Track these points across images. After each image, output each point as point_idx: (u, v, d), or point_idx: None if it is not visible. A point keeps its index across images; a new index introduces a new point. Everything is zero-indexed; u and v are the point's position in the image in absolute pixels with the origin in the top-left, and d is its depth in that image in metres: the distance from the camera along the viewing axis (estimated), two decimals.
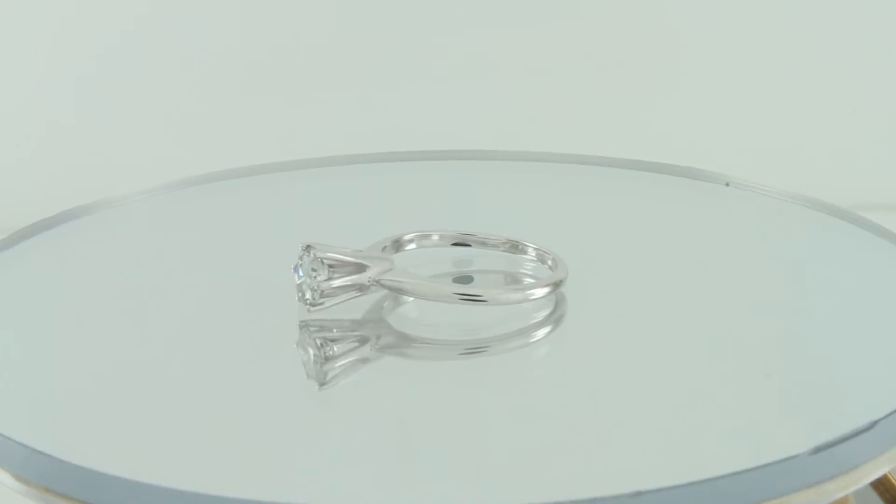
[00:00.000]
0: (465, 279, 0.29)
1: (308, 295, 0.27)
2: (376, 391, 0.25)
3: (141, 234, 0.34)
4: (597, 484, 0.21)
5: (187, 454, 0.22)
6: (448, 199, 0.37)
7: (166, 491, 0.20)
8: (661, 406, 0.24)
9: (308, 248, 0.27)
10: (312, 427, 0.23)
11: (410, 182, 0.39)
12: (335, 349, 0.26)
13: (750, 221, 0.35)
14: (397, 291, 0.27)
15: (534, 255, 0.29)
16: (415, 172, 0.40)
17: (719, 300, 0.29)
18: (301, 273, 0.27)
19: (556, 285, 0.27)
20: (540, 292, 0.27)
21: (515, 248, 0.29)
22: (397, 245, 0.29)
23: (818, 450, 0.20)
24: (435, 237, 0.30)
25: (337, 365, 0.25)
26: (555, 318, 0.27)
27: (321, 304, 0.27)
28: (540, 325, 0.27)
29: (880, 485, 0.28)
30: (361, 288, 0.27)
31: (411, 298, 0.27)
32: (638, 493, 0.19)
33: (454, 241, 0.30)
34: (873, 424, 0.21)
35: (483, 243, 0.30)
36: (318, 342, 0.26)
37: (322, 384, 0.25)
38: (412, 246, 0.29)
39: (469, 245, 0.30)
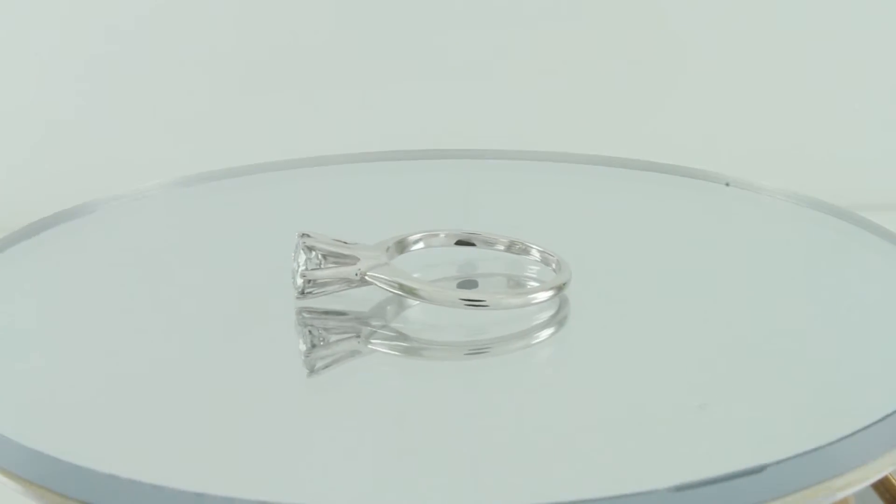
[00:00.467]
0: (469, 283, 0.29)
1: (299, 282, 0.27)
2: (377, 391, 0.25)
3: (141, 233, 0.34)
4: (595, 484, 0.21)
5: (187, 453, 0.22)
6: (450, 199, 0.37)
7: (167, 491, 0.20)
8: (661, 406, 0.24)
9: (303, 236, 0.27)
10: (311, 426, 0.23)
11: (411, 181, 0.39)
12: (330, 347, 0.26)
13: (750, 221, 0.35)
14: (386, 288, 0.27)
15: (537, 256, 0.29)
16: (415, 171, 0.40)
17: (720, 301, 0.29)
18: (295, 261, 0.27)
19: (560, 289, 0.27)
20: (543, 296, 0.27)
21: (519, 248, 0.29)
22: (401, 244, 0.29)
23: (680, 489, 0.20)
24: (439, 236, 0.29)
25: (330, 360, 0.25)
26: (558, 319, 0.27)
27: (310, 292, 0.27)
28: (543, 326, 0.27)
29: (880, 485, 0.28)
30: (350, 280, 0.27)
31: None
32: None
33: (458, 241, 0.30)
34: (762, 468, 0.20)
35: (487, 243, 0.29)
36: (314, 337, 0.26)
37: (312, 370, 0.25)
38: (418, 245, 0.29)
39: (473, 244, 0.30)
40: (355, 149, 0.41)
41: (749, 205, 0.35)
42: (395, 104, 0.59)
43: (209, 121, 0.59)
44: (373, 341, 0.26)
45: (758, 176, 0.37)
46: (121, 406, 0.24)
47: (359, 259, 0.27)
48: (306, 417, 0.23)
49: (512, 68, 0.59)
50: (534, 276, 0.29)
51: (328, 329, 0.27)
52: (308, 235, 0.27)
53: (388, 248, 0.28)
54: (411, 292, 0.26)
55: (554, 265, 0.28)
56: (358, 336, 0.26)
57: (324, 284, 0.27)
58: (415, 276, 0.27)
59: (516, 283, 0.29)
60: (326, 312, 0.28)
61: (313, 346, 0.26)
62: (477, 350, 0.26)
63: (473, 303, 0.26)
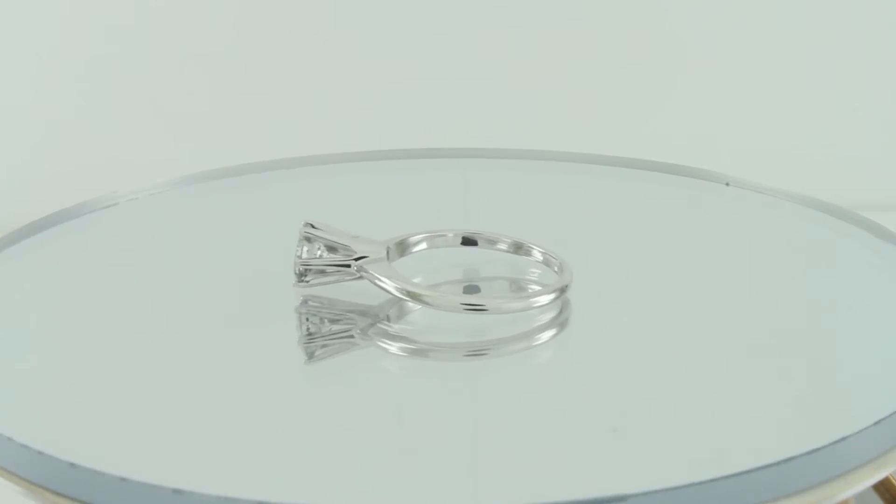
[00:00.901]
0: (472, 288, 0.29)
1: (298, 269, 0.27)
2: (375, 391, 0.25)
3: (141, 232, 0.34)
4: (595, 485, 0.21)
5: (185, 454, 0.22)
6: (450, 198, 0.36)
7: (166, 491, 0.20)
8: (661, 407, 0.24)
9: (307, 225, 0.27)
10: (308, 426, 0.23)
11: (411, 180, 0.39)
12: (330, 346, 0.26)
13: (750, 221, 0.35)
14: (387, 291, 0.27)
15: (539, 257, 0.29)
16: (415, 171, 0.40)
17: (720, 301, 0.29)
18: (299, 250, 0.27)
19: (562, 291, 0.27)
20: (544, 300, 0.26)
21: (520, 249, 0.29)
22: (402, 244, 0.29)
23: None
24: (442, 236, 0.29)
25: (329, 360, 0.25)
26: (559, 322, 0.27)
27: (307, 280, 0.27)
28: (544, 328, 0.27)
29: (881, 485, 0.28)
30: (347, 272, 0.27)
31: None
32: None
33: (461, 241, 0.29)
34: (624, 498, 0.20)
35: (489, 243, 0.29)
36: (314, 336, 0.26)
37: (310, 358, 0.25)
38: (419, 246, 0.29)
39: (475, 244, 0.29)
40: (355, 148, 0.41)
41: (749, 205, 0.35)
42: (395, 104, 0.59)
43: (209, 120, 0.59)
44: (372, 341, 0.26)
45: (758, 176, 0.37)
46: (120, 406, 0.24)
47: (356, 252, 0.27)
48: (303, 417, 0.23)
49: (512, 68, 0.59)
50: (535, 277, 0.29)
51: (329, 328, 0.27)
52: (312, 225, 0.27)
53: (388, 247, 0.28)
54: (410, 296, 0.26)
55: (556, 267, 0.28)
56: (358, 335, 0.26)
57: (321, 273, 0.27)
58: (415, 280, 0.27)
59: (517, 286, 0.29)
60: (327, 311, 0.28)
61: (312, 341, 0.26)
62: (476, 351, 0.26)
63: (473, 307, 0.26)
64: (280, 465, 0.21)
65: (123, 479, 0.20)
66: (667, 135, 0.58)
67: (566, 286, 0.27)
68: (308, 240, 0.27)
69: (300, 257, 0.27)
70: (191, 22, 0.58)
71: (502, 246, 0.29)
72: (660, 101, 0.60)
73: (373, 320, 0.27)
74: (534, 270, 0.29)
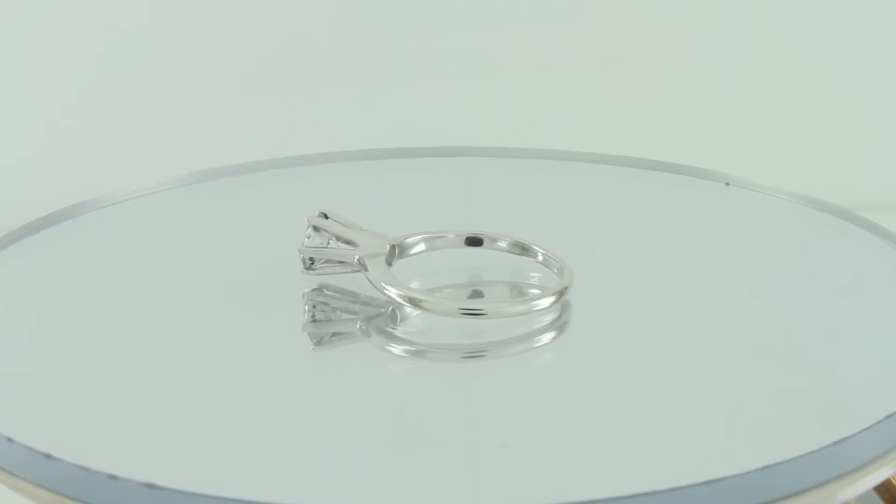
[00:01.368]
0: (473, 293, 0.29)
1: (302, 257, 0.28)
2: (374, 391, 0.25)
3: (141, 231, 0.34)
4: (594, 485, 0.21)
5: (183, 454, 0.22)
6: (450, 198, 0.36)
7: (167, 491, 0.20)
8: (661, 407, 0.24)
9: (320, 214, 0.28)
10: (307, 426, 0.23)
11: (410, 179, 0.39)
12: (328, 346, 0.26)
13: (751, 221, 0.35)
14: (377, 287, 0.27)
15: (540, 258, 0.28)
16: (415, 170, 0.39)
17: (720, 301, 0.29)
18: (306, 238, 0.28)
19: (561, 294, 0.27)
20: (543, 303, 0.26)
21: (521, 249, 0.29)
22: (404, 244, 0.29)
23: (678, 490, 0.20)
24: (442, 237, 0.29)
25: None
26: (558, 324, 0.27)
27: (312, 269, 0.28)
28: (544, 329, 0.27)
29: (881, 486, 0.28)
30: (349, 264, 0.27)
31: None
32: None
33: (463, 241, 0.29)
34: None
35: (491, 244, 0.29)
36: (313, 335, 0.26)
37: (317, 342, 0.25)
38: (420, 246, 0.29)
39: (477, 245, 0.29)
40: (355, 147, 0.41)
41: (750, 204, 0.35)
42: (395, 103, 0.59)
43: (209, 119, 0.59)
44: (373, 341, 0.26)
45: (758, 175, 0.37)
46: (120, 406, 0.24)
47: (360, 245, 0.28)
48: (299, 416, 0.23)
49: (511, 67, 0.59)
50: (535, 278, 0.29)
51: (330, 323, 0.27)
52: (325, 215, 0.28)
53: (392, 244, 0.28)
54: (409, 301, 0.26)
55: (556, 268, 0.28)
56: (359, 332, 0.26)
57: (324, 263, 0.28)
58: (412, 284, 0.27)
59: (516, 289, 0.29)
60: (331, 305, 0.28)
61: (314, 336, 0.26)
62: (473, 353, 0.26)
63: (472, 312, 0.26)
64: (277, 465, 0.21)
65: (123, 480, 0.20)
66: (667, 134, 0.58)
67: (566, 288, 0.27)
68: (316, 229, 0.28)
69: (305, 246, 0.28)
70: (191, 21, 0.58)
71: (503, 246, 0.29)
72: (660, 100, 0.60)
73: (376, 317, 0.27)
74: (534, 272, 0.29)
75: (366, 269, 0.27)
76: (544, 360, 0.27)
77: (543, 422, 0.23)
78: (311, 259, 0.28)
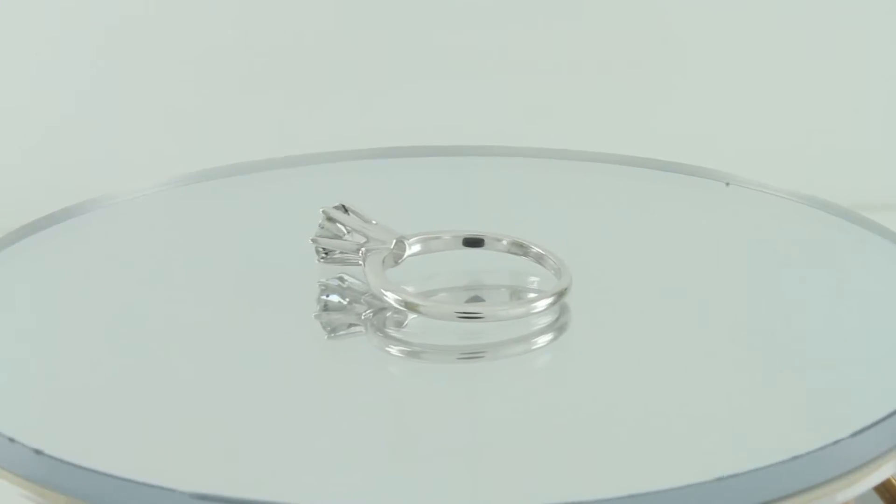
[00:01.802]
0: (474, 295, 0.29)
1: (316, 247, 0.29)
2: (371, 392, 0.25)
3: (142, 231, 0.34)
4: (591, 486, 0.21)
5: (180, 454, 0.22)
6: (449, 197, 0.36)
7: (166, 491, 0.20)
8: (661, 407, 0.24)
9: (339, 206, 0.29)
10: (301, 426, 0.23)
11: (411, 179, 0.39)
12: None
13: (752, 221, 0.35)
14: (383, 299, 0.27)
15: (538, 258, 0.28)
16: (415, 169, 0.39)
17: (720, 301, 0.29)
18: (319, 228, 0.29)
19: (560, 296, 0.26)
20: (541, 305, 0.26)
21: (520, 250, 0.29)
22: (402, 244, 0.29)
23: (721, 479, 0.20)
24: (442, 238, 0.29)
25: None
26: (557, 325, 0.27)
27: (324, 258, 0.29)
28: (542, 330, 0.27)
29: (881, 486, 0.27)
30: (355, 256, 0.28)
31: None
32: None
33: (462, 241, 0.29)
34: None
35: (490, 244, 0.29)
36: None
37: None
38: (417, 247, 0.29)
39: (476, 246, 0.29)
40: (355, 146, 0.41)
41: (750, 203, 0.35)
42: (395, 103, 0.59)
43: (208, 119, 0.58)
44: (373, 340, 0.26)
45: (759, 174, 0.37)
46: (120, 406, 0.24)
47: (366, 240, 0.28)
48: (295, 416, 0.23)
49: (511, 66, 0.59)
50: (534, 279, 0.29)
51: (328, 326, 0.27)
52: (343, 207, 0.29)
53: (398, 240, 0.28)
54: (406, 305, 0.26)
55: (554, 269, 0.28)
56: (357, 334, 0.26)
57: (333, 253, 0.29)
58: (409, 288, 0.27)
59: (515, 291, 0.29)
60: (329, 308, 0.28)
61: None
62: (470, 354, 0.26)
63: (469, 315, 0.26)
64: (275, 465, 0.21)
65: (123, 480, 0.20)
66: (668, 133, 0.58)
67: (565, 290, 0.27)
68: (330, 220, 0.29)
69: (317, 236, 0.29)
70: (191, 21, 0.58)
71: (502, 247, 0.29)
72: (661, 99, 0.60)
73: (376, 316, 0.27)
74: (533, 272, 0.29)
75: (364, 272, 0.27)
76: (543, 361, 0.27)
77: (541, 423, 0.23)
78: (325, 250, 0.29)
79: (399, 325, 0.26)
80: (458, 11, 0.58)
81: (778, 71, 0.59)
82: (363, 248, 0.28)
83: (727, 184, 0.36)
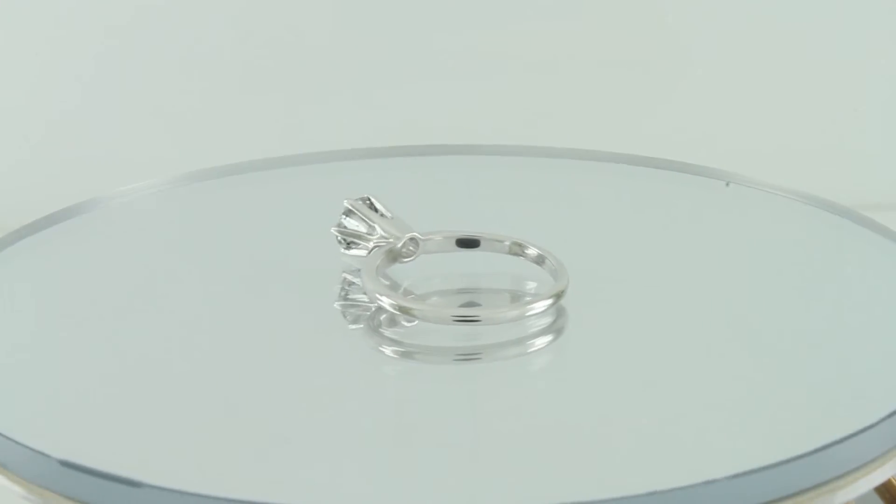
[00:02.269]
0: (470, 298, 0.28)
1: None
2: (369, 392, 0.25)
3: (143, 231, 0.34)
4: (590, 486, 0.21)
5: (178, 455, 0.22)
6: (449, 197, 0.36)
7: (167, 491, 0.20)
8: (660, 408, 0.24)
9: (364, 199, 0.29)
10: (299, 426, 0.23)
11: (410, 178, 0.39)
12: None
13: (752, 220, 0.35)
14: (380, 305, 0.27)
15: (536, 259, 0.28)
16: (415, 168, 0.39)
17: (720, 300, 0.29)
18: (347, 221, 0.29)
19: (557, 297, 0.26)
20: (538, 307, 0.26)
21: (518, 251, 0.29)
22: (415, 242, 0.29)
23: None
24: (439, 237, 0.29)
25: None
26: (555, 327, 0.27)
27: (347, 247, 0.29)
28: (540, 333, 0.27)
29: (882, 487, 0.27)
30: (366, 248, 0.28)
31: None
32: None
33: (459, 241, 0.29)
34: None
35: (488, 244, 0.29)
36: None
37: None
38: (413, 246, 0.29)
39: (473, 247, 0.29)
40: (352, 146, 0.41)
41: (751, 203, 0.35)
42: (394, 103, 0.59)
43: (208, 119, 0.58)
44: (366, 342, 0.26)
45: (759, 174, 0.37)
46: (120, 406, 0.24)
47: (376, 235, 0.28)
48: (286, 417, 0.23)
49: (511, 66, 0.59)
50: (532, 280, 0.29)
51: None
52: (370, 199, 0.29)
53: (406, 239, 0.28)
54: (401, 310, 0.26)
55: (551, 271, 0.28)
56: (354, 334, 0.27)
57: (356, 244, 0.29)
58: (403, 291, 0.27)
59: (512, 292, 0.29)
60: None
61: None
62: (466, 356, 0.26)
63: (465, 319, 0.26)
64: (274, 465, 0.21)
65: (124, 480, 0.20)
66: (667, 133, 0.58)
67: (562, 291, 0.26)
68: (351, 212, 0.29)
69: (337, 226, 0.29)
70: (191, 21, 0.58)
71: (500, 247, 0.29)
72: (661, 99, 0.60)
73: (374, 315, 0.27)
74: (531, 273, 0.29)
75: (362, 274, 0.27)
76: (540, 362, 0.26)
77: (539, 423, 0.23)
78: (347, 241, 0.29)
79: (400, 323, 0.26)
80: (458, 11, 0.58)
81: (778, 70, 0.59)
82: (372, 245, 0.28)
83: (727, 183, 0.36)
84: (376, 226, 0.28)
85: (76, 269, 0.31)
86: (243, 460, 0.22)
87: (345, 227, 0.29)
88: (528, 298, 0.28)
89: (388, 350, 0.26)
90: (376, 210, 0.29)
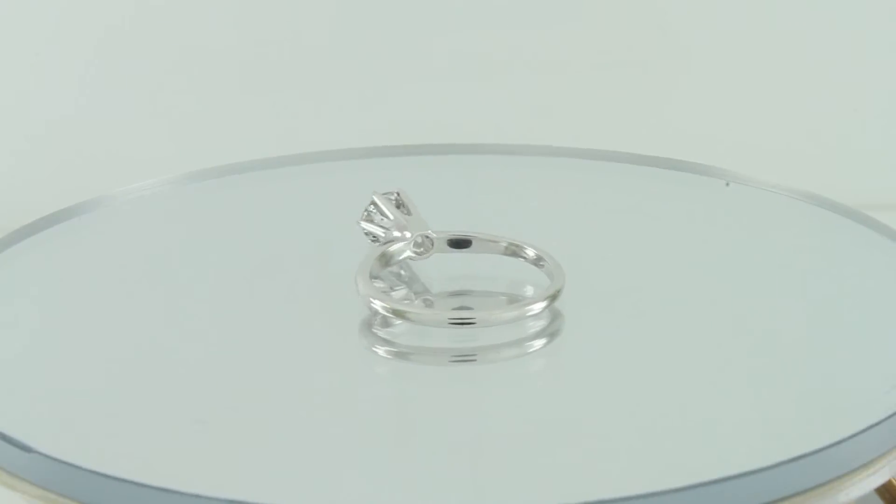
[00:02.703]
0: (465, 300, 0.28)
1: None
2: (368, 392, 0.25)
3: (143, 230, 0.34)
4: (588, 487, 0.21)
5: (177, 454, 0.22)
6: (448, 196, 0.36)
7: (166, 491, 0.20)
8: (660, 408, 0.24)
9: (392, 194, 0.30)
10: (296, 427, 0.23)
11: (410, 178, 0.39)
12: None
13: (752, 220, 0.35)
14: (361, 296, 0.27)
15: (532, 259, 0.28)
16: (414, 168, 0.39)
17: (720, 299, 0.29)
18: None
19: (552, 298, 0.26)
20: (535, 308, 0.26)
21: (514, 251, 0.29)
22: (428, 240, 0.29)
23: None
24: (435, 237, 0.29)
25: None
26: (550, 331, 0.27)
27: (371, 241, 0.29)
28: (536, 334, 0.27)
29: (882, 487, 0.27)
30: (379, 244, 0.28)
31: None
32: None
33: (455, 241, 0.29)
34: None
35: (483, 245, 0.29)
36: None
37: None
38: (409, 245, 0.29)
39: (468, 246, 0.29)
40: (351, 145, 0.41)
41: (750, 203, 0.35)
42: (394, 103, 0.59)
43: (208, 118, 0.58)
44: (361, 343, 0.26)
45: (761, 173, 0.37)
46: (120, 406, 0.24)
47: (386, 229, 0.29)
48: (282, 417, 0.24)
49: (511, 66, 0.59)
50: (528, 280, 0.28)
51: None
52: (398, 195, 0.30)
53: (424, 236, 0.28)
54: (394, 313, 0.26)
55: (548, 272, 0.27)
56: (350, 334, 0.27)
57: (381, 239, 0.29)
58: (398, 294, 0.27)
59: (507, 293, 0.29)
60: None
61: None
62: (462, 357, 0.26)
63: (460, 322, 0.26)
64: (271, 465, 0.21)
65: (123, 480, 0.20)
66: (667, 133, 0.58)
67: (557, 292, 0.26)
68: (374, 206, 0.29)
69: (360, 220, 0.29)
70: (191, 21, 0.58)
71: (495, 248, 0.29)
72: (662, 98, 0.60)
73: (372, 316, 0.27)
74: (527, 273, 0.29)
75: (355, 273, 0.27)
76: (536, 364, 0.26)
77: (536, 425, 0.23)
78: (373, 236, 0.29)
79: (391, 326, 0.27)
80: (458, 11, 0.58)
81: (778, 70, 0.59)
82: (383, 237, 0.28)
83: (727, 183, 0.36)
84: (395, 223, 0.28)
85: (77, 269, 0.31)
86: (243, 461, 0.22)
87: (372, 220, 0.29)
88: (523, 300, 0.28)
89: (382, 351, 0.26)
90: (403, 206, 0.29)
